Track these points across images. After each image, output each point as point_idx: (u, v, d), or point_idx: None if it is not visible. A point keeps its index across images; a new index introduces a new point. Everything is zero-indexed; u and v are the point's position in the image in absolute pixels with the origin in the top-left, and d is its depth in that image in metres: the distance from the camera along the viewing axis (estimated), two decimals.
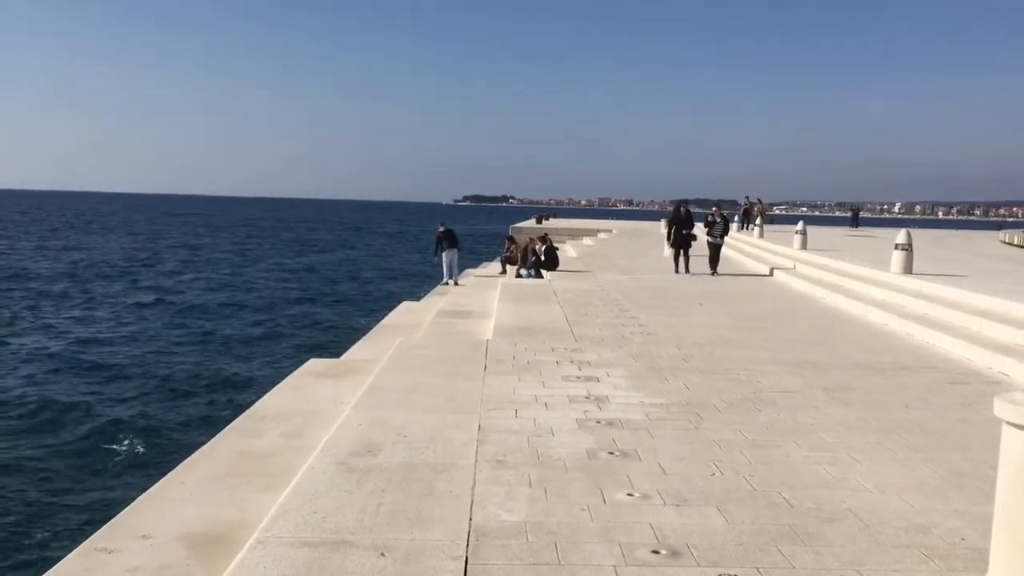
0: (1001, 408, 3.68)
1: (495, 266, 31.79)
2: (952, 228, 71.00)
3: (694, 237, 21.24)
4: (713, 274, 20.46)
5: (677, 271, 20.62)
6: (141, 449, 12.83)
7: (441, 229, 23.81)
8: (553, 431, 6.58)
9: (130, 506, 5.86)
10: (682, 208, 21.45)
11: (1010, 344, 10.23)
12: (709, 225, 21.35)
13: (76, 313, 26.53)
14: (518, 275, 21.38)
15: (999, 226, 66.05)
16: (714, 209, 21.92)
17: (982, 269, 19.23)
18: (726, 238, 22.15)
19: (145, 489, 6.28)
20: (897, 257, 16.32)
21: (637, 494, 5.21)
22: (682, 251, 20.77)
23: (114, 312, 27.13)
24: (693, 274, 20.29)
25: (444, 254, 23.62)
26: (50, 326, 23.86)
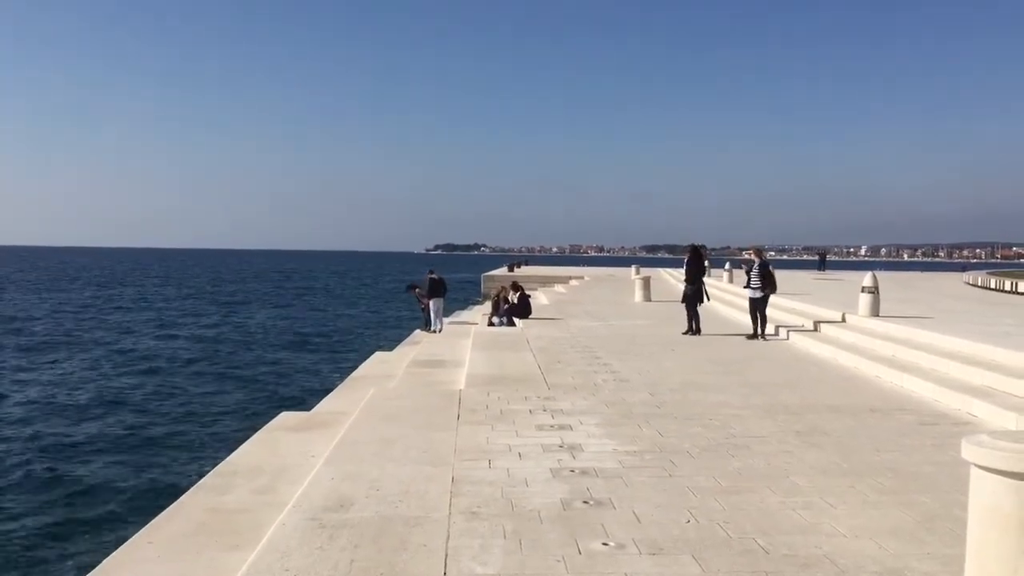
0: (968, 451, 3.72)
1: (467, 314, 31.83)
2: (918, 270, 72.18)
3: (705, 294, 17.85)
4: (753, 337, 16.71)
5: (688, 330, 17.46)
6: (106, 508, 12.51)
7: (433, 277, 24.86)
8: (527, 481, 6.54)
9: (96, 569, 5.71)
10: (687, 254, 18.57)
11: (978, 385, 10.37)
12: (749, 276, 16.97)
13: (36, 364, 26.07)
14: (490, 323, 21.41)
15: (963, 267, 67.20)
16: (750, 254, 17.90)
17: (948, 310, 19.54)
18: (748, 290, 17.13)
19: (111, 551, 6.14)
20: (864, 300, 16.53)
21: (612, 543, 5.18)
22: (690, 307, 17.54)
23: (77, 364, 26.68)
24: (705, 334, 17.10)
25: (431, 302, 24.61)
26: (9, 377, 23.40)
